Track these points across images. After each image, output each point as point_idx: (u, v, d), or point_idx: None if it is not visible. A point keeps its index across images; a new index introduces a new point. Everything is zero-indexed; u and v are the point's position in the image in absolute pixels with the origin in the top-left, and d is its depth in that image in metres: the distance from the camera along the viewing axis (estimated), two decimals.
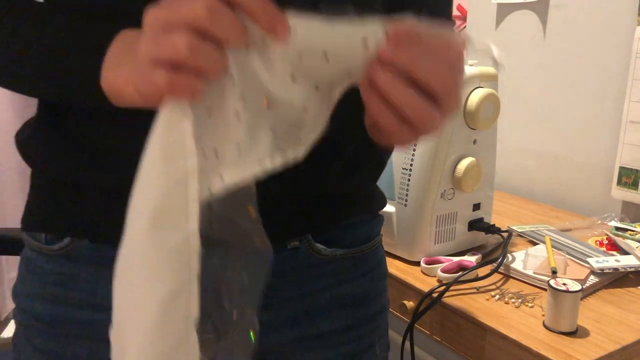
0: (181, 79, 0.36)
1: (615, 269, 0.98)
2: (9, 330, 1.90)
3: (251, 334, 0.44)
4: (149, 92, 0.38)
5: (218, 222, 0.40)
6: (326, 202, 0.61)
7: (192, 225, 0.37)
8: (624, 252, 1.08)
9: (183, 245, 0.37)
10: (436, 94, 0.41)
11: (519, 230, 1.18)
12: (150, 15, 0.37)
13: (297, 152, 0.43)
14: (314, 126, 0.43)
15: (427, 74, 0.40)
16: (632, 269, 1.00)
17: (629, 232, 1.18)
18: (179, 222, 0.37)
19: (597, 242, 1.14)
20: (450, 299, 0.93)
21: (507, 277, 1.01)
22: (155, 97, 0.38)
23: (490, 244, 1.15)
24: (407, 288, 1.00)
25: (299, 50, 0.39)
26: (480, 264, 1.01)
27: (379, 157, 0.65)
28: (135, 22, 0.40)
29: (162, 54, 0.36)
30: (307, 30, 0.38)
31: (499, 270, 1.00)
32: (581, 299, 0.89)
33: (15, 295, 0.59)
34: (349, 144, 0.60)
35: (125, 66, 0.42)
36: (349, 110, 0.58)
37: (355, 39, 0.39)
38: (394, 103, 0.41)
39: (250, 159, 0.40)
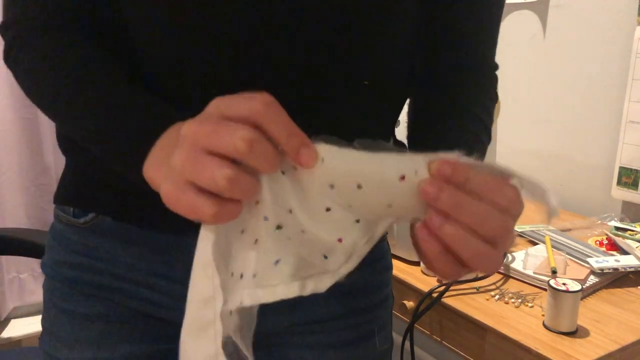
0: (224, 212, 0.37)
1: (615, 269, 0.98)
2: (9, 331, 1.90)
3: None
4: (187, 213, 0.38)
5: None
6: None
7: (218, 341, 0.39)
8: (624, 252, 1.08)
9: (213, 358, 0.40)
10: (485, 239, 0.39)
11: (519, 230, 1.18)
12: (190, 130, 0.38)
13: (320, 284, 0.42)
14: (345, 259, 0.42)
15: (472, 219, 0.38)
16: (632, 269, 1.00)
17: (629, 232, 1.18)
18: (209, 336, 0.40)
19: (597, 242, 1.14)
20: (450, 299, 0.93)
21: (507, 277, 1.01)
22: (192, 216, 0.38)
23: None
24: (407, 288, 1.00)
25: (330, 180, 0.38)
26: None
27: None
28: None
29: (200, 182, 0.37)
30: (338, 160, 0.37)
31: (499, 270, 1.00)
32: (581, 299, 0.89)
33: (44, 264, 0.64)
34: None
35: (166, 165, 0.43)
36: (355, 117, 0.58)
37: (391, 174, 0.38)
38: (453, 251, 0.39)
39: (267, 285, 0.41)
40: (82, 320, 0.60)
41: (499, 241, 0.40)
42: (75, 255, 0.60)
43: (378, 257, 0.69)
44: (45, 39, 0.52)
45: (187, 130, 0.38)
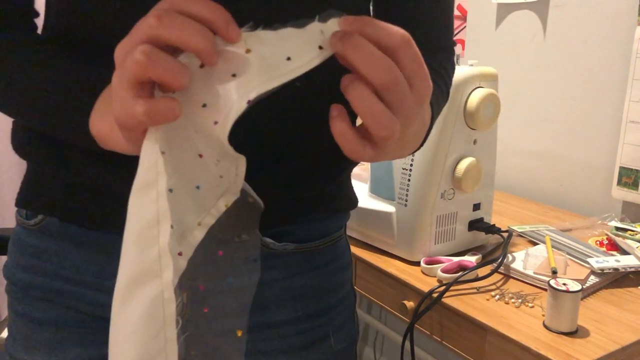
0: (158, 102, 0.36)
1: (616, 269, 0.98)
2: None
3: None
4: (130, 124, 0.37)
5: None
6: (274, 205, 0.60)
7: (167, 275, 0.38)
8: (624, 252, 1.07)
9: (158, 297, 0.38)
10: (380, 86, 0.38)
11: (519, 230, 1.18)
12: (116, 49, 0.38)
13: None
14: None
15: (361, 62, 0.37)
16: (632, 269, 1.00)
17: (629, 232, 1.18)
18: (153, 275, 0.38)
19: (597, 242, 1.14)
20: (450, 299, 0.92)
21: (507, 277, 1.01)
22: (136, 130, 0.38)
23: (490, 244, 1.15)
24: (407, 288, 1.00)
25: (263, 59, 0.37)
26: (480, 264, 1.01)
27: (334, 164, 0.64)
28: None
29: (127, 74, 0.36)
30: (263, 38, 0.38)
31: (499, 270, 1.00)
32: (581, 299, 0.89)
33: (4, 266, 0.65)
34: (294, 155, 0.59)
35: (111, 114, 0.43)
36: (297, 121, 0.58)
37: (314, 33, 0.38)
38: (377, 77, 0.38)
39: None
40: (34, 324, 0.61)
41: (391, 88, 0.38)
42: (28, 257, 0.61)
43: (332, 259, 0.68)
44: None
45: (115, 53, 0.38)
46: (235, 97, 0.37)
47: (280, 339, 0.64)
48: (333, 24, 0.39)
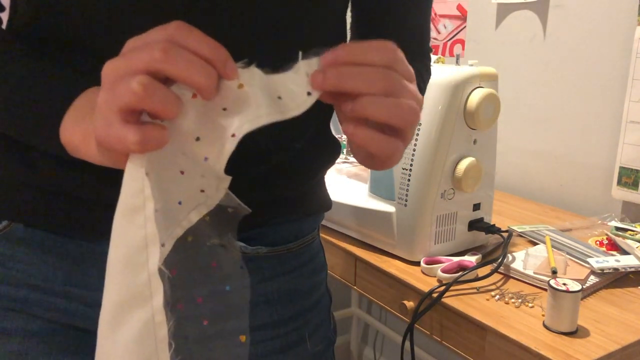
0: (150, 132, 0.36)
1: (616, 269, 0.98)
2: None
3: None
4: (117, 148, 0.37)
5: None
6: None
7: (157, 299, 0.38)
8: (624, 252, 1.07)
9: (149, 321, 0.38)
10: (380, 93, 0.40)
11: (519, 230, 1.18)
12: (107, 66, 0.38)
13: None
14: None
15: (357, 83, 0.39)
16: (632, 269, 1.00)
17: (629, 232, 1.18)
18: (143, 299, 0.38)
19: (597, 242, 1.14)
20: (450, 299, 0.93)
21: (507, 277, 1.01)
22: (122, 154, 0.38)
23: (491, 244, 1.15)
24: (407, 288, 1.00)
25: (254, 97, 0.38)
26: (480, 264, 1.01)
27: (306, 166, 0.64)
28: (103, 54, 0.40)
29: (120, 100, 0.36)
30: (256, 75, 0.39)
31: (499, 270, 1.00)
32: (581, 299, 0.89)
33: None
34: (266, 157, 0.59)
35: (84, 123, 0.43)
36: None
37: (301, 76, 0.39)
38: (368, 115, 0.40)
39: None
40: (0, 334, 0.58)
41: (394, 91, 0.40)
42: None
43: (305, 261, 0.67)
44: None
45: (105, 69, 0.38)
46: (228, 132, 0.38)
47: (255, 344, 0.62)
48: (317, 64, 0.40)
